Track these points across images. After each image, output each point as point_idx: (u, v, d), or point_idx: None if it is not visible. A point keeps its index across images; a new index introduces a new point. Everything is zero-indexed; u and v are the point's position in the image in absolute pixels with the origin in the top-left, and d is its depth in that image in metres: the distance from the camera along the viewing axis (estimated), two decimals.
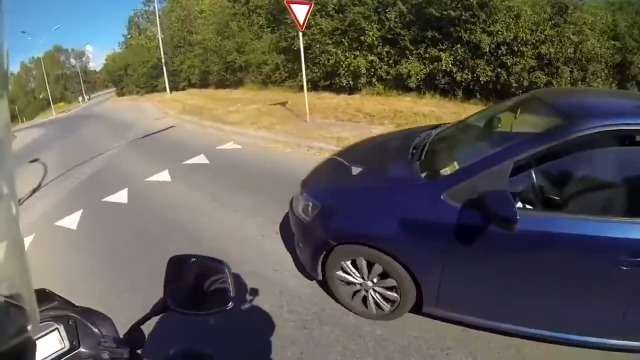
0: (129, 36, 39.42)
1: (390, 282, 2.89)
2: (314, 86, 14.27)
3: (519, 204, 2.73)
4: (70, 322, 1.01)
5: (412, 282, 2.80)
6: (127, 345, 1.02)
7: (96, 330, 1.03)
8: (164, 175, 6.73)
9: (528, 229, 2.41)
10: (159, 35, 24.67)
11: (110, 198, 6.03)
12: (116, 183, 6.61)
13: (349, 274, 3.04)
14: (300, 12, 8.62)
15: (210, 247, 4.03)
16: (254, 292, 3.36)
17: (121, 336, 1.06)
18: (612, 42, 10.77)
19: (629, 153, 3.01)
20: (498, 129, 3.37)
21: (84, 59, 76.42)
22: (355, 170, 3.47)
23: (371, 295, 3.05)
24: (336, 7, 13.30)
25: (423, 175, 2.93)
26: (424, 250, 2.71)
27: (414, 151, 3.37)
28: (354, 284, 3.05)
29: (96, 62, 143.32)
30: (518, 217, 2.19)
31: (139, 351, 1.07)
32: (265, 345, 2.91)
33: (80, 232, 5.10)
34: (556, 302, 2.65)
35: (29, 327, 0.59)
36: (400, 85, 12.27)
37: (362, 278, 3.01)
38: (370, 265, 2.93)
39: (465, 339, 2.92)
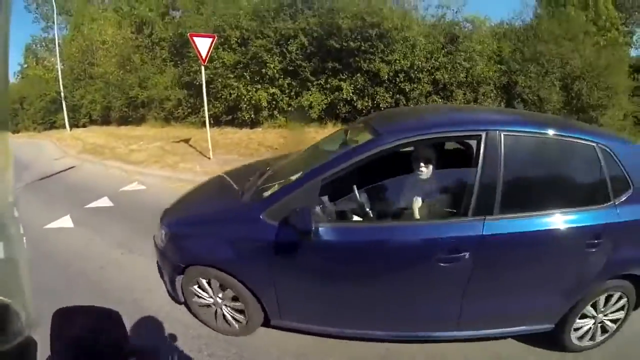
0: (26, 65, 36.15)
1: (237, 302, 3.25)
2: (216, 121, 14.36)
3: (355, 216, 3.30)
4: None
5: (254, 299, 3.14)
6: None
7: None
8: (65, 221, 6.49)
9: (340, 239, 2.88)
10: (59, 66, 22.98)
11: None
12: None
13: (202, 293, 3.36)
14: (203, 45, 8.75)
15: (119, 298, 3.96)
16: (173, 337, 3.45)
17: None
18: (499, 65, 12.21)
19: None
20: (326, 150, 3.67)
21: None
22: (201, 200, 3.94)
23: (223, 312, 3.38)
24: (239, 41, 13.56)
25: (249, 199, 3.30)
26: (255, 267, 3.06)
27: (251, 179, 3.81)
28: (207, 301, 3.38)
29: None
30: (313, 229, 2.61)
31: None
32: None
33: None
34: (389, 304, 3.03)
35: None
36: (302, 116, 12.69)
37: (213, 296, 3.33)
38: (220, 285, 3.26)
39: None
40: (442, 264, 2.75)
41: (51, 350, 0.96)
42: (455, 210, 2.98)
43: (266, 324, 3.32)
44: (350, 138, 3.48)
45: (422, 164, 3.15)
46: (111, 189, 8.21)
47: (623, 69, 11.94)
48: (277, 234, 2.86)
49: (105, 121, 21.41)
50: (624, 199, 2.87)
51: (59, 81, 22.59)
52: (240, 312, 3.30)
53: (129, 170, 9.94)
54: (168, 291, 3.69)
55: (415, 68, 11.86)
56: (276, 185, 3.24)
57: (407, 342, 3.29)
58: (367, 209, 3.34)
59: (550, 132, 2.89)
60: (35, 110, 28.14)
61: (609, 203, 2.85)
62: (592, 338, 3.25)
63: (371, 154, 2.88)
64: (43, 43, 35.73)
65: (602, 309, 3.13)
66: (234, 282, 3.12)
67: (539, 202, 2.88)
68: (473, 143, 2.91)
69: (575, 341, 3.20)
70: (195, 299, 3.43)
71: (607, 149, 2.87)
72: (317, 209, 3.10)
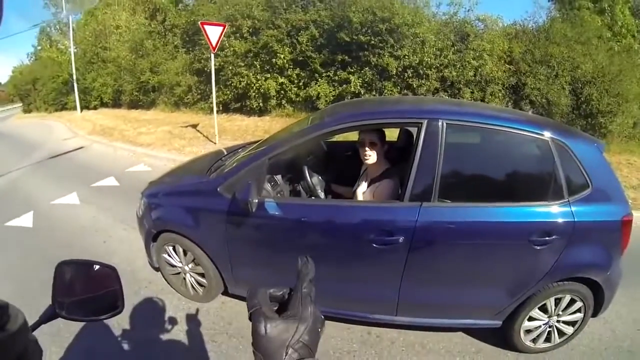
0: (39, 47, 36.32)
1: (200, 268, 3.46)
2: (225, 108, 14.44)
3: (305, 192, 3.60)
4: None
5: (214, 267, 3.36)
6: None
7: None
8: (72, 198, 6.65)
9: (282, 215, 3.02)
10: (72, 49, 23.06)
11: (14, 222, 5.79)
12: (20, 206, 6.37)
13: (170, 260, 3.62)
14: (214, 33, 8.83)
15: (121, 269, 3.97)
16: (163, 309, 3.66)
17: None
18: (508, 66, 11.99)
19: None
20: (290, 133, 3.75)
21: None
22: (178, 175, 4.20)
23: (188, 278, 3.62)
24: (250, 30, 13.58)
25: (210, 174, 3.50)
26: (213, 236, 3.27)
27: (221, 157, 4.04)
28: (175, 267, 3.63)
29: (1, 73, 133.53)
30: (253, 201, 2.76)
31: None
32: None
33: None
34: (328, 282, 2.92)
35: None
36: (309, 107, 12.73)
37: (181, 262, 3.57)
38: (185, 252, 3.48)
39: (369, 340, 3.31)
40: (376, 246, 2.79)
41: (52, 300, 1.02)
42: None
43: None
44: (309, 124, 3.55)
45: (366, 149, 3.19)
46: (118, 170, 8.36)
47: (635, 76, 11.61)
48: (230, 206, 3.06)
49: (116, 104, 21.49)
50: (580, 198, 2.73)
51: (71, 64, 22.63)
52: (204, 278, 3.55)
53: (137, 152, 10.09)
54: (148, 260, 3.93)
55: (424, 64, 11.82)
56: (235, 163, 3.41)
57: (386, 327, 3.36)
58: (317, 190, 3.60)
59: (499, 123, 2.83)
60: (47, 91, 28.09)
61: (561, 201, 2.72)
62: (548, 340, 3.17)
63: (313, 136, 3.07)
64: (57, 26, 35.81)
65: (554, 312, 3.03)
66: (195, 248, 3.37)
67: (481, 193, 2.86)
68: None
69: (528, 343, 3.15)
70: (166, 267, 3.71)
71: (564, 145, 2.74)
72: (268, 186, 3.35)
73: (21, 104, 37.48)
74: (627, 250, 2.92)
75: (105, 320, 3.25)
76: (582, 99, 11.24)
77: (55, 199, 6.64)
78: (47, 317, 1.00)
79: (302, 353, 0.66)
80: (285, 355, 0.64)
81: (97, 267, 1.13)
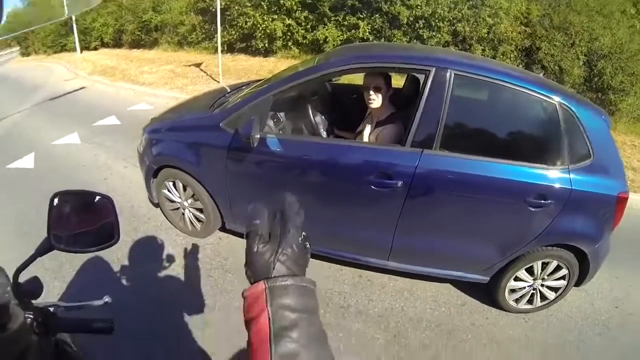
0: None
1: (199, 203, 3.48)
2: (230, 48, 14.08)
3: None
4: None
5: (212, 201, 3.39)
6: (17, 293, 0.93)
7: None
8: (73, 138, 6.59)
9: (284, 152, 3.02)
10: None
11: (16, 164, 5.76)
12: (21, 148, 6.30)
13: (170, 195, 3.63)
14: None
15: (121, 205, 3.99)
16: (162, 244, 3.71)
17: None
18: (524, 27, 11.55)
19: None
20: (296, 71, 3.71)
21: None
22: (181, 111, 4.20)
23: (187, 213, 3.65)
24: None
25: (213, 110, 3.47)
26: (213, 171, 3.27)
27: (224, 94, 4.01)
28: (174, 202, 3.62)
29: None
30: (257, 136, 2.75)
31: (34, 301, 1.01)
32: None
33: None
34: (326, 220, 3.10)
35: None
36: (316, 50, 12.37)
37: (180, 198, 3.59)
38: (185, 187, 3.50)
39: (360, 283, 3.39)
40: (375, 188, 2.81)
41: (47, 232, 1.01)
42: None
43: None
44: (315, 63, 3.49)
45: (371, 93, 3.16)
46: (119, 109, 8.22)
47: None
48: (231, 141, 3.06)
49: (117, 44, 20.97)
50: (580, 167, 2.74)
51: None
52: (202, 213, 3.57)
53: (138, 91, 9.93)
54: (148, 196, 3.96)
55: (436, 16, 11.38)
56: (238, 99, 3.36)
57: (377, 272, 3.47)
58: (320, 128, 3.62)
59: (509, 80, 2.79)
60: (46, 33, 27.51)
61: (562, 167, 2.74)
62: (530, 302, 3.27)
63: (319, 75, 3.04)
64: None
65: (540, 275, 3.12)
66: (195, 183, 3.38)
67: (483, 148, 2.83)
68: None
69: (511, 302, 3.25)
70: (165, 202, 3.74)
71: (571, 112, 2.72)
72: (271, 122, 3.35)
73: (18, 48, 36.88)
74: (618, 230, 3.00)
75: (105, 256, 3.30)
76: (595, 72, 10.89)
77: (56, 140, 6.57)
78: (43, 249, 1.01)
79: (289, 266, 0.69)
80: (273, 269, 0.67)
81: (92, 197, 1.12)
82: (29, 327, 0.66)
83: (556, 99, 2.74)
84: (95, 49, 21.86)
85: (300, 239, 0.75)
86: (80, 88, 11.16)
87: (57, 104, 9.64)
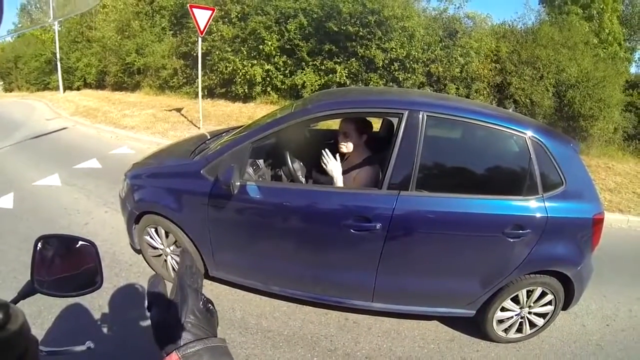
0: (20, 25, 35.45)
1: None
2: (210, 93, 14.36)
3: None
4: None
5: (195, 250, 3.42)
6: None
7: None
8: (53, 179, 6.58)
9: (264, 198, 3.10)
10: (56, 27, 22.46)
11: None
12: (1, 187, 6.24)
13: (152, 242, 3.66)
14: (202, 17, 8.78)
15: (103, 251, 3.91)
16: (143, 291, 3.64)
17: None
18: (494, 64, 12.16)
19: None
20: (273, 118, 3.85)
21: None
22: (162, 157, 4.21)
23: (170, 260, 3.66)
24: (239, 15, 13.52)
25: (194, 157, 3.55)
26: (194, 219, 3.32)
27: (205, 141, 4.10)
28: (157, 249, 3.68)
29: None
30: (235, 183, 2.84)
31: None
32: None
33: None
34: (307, 266, 3.23)
35: None
36: (294, 95, 12.75)
37: (162, 244, 3.61)
38: (167, 234, 3.53)
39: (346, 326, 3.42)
40: (354, 232, 2.88)
41: (31, 276, 1.01)
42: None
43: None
44: (292, 110, 3.64)
45: (340, 138, 3.33)
46: (101, 152, 8.29)
47: (619, 83, 11.86)
48: (212, 188, 3.13)
49: (100, 85, 21.02)
50: (554, 194, 2.85)
51: (55, 42, 22.11)
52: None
53: (120, 134, 10.02)
54: (129, 242, 3.98)
55: (411, 58, 11.91)
56: (218, 146, 3.46)
57: (363, 314, 3.48)
58: (299, 175, 3.67)
59: (479, 118, 2.91)
60: (29, 70, 27.37)
61: (536, 196, 2.83)
62: (520, 330, 3.31)
63: (296, 122, 3.16)
64: (38, 4, 35.03)
65: (526, 303, 3.16)
66: (176, 230, 3.41)
67: (458, 185, 2.95)
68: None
69: (500, 333, 3.28)
70: (148, 249, 3.76)
71: (540, 143, 2.85)
72: (250, 169, 3.42)
73: (1, 83, 36.52)
74: (601, 249, 3.10)
75: (85, 303, 3.34)
76: (564, 101, 11.47)
77: (37, 180, 6.55)
78: (26, 292, 1.01)
79: (196, 332, 0.71)
80: (180, 339, 0.70)
81: (76, 242, 1.13)
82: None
83: (526, 133, 2.86)
84: (78, 89, 21.81)
85: (201, 303, 0.77)
86: (62, 128, 11.19)
87: (38, 143, 9.62)
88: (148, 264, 3.91)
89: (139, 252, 3.99)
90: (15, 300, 0.96)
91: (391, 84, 12.18)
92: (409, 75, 12.09)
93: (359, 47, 11.99)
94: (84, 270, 1.11)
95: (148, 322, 0.74)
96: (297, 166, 3.72)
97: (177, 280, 0.78)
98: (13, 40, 36.09)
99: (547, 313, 3.20)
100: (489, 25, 13.17)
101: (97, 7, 21.65)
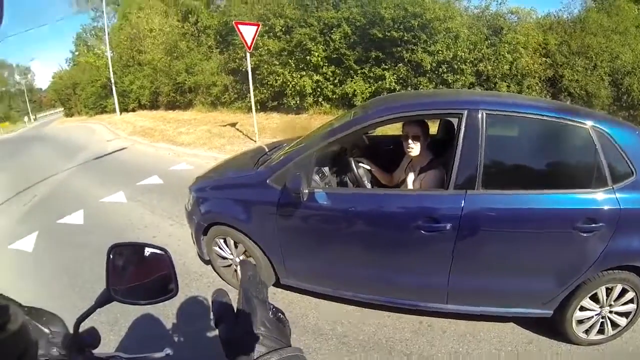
0: (77, 53, 37.71)
1: (252, 259, 3.50)
2: (262, 107, 14.54)
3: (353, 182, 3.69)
4: None
5: (266, 258, 3.43)
6: (75, 344, 0.96)
7: (46, 329, 0.96)
8: (119, 197, 6.87)
9: (332, 205, 3.09)
10: (108, 53, 23.71)
11: (66, 219, 6.05)
12: (71, 205, 6.62)
13: (221, 252, 3.70)
14: (248, 33, 8.91)
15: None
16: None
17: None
18: (544, 58, 11.80)
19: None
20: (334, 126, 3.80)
21: (29, 76, 69.77)
22: (225, 168, 4.28)
23: (239, 270, 3.61)
24: (283, 29, 13.71)
25: (257, 167, 3.58)
26: (264, 228, 3.34)
27: (265, 152, 4.13)
28: (226, 259, 3.72)
29: (42, 79, 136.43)
30: (304, 191, 2.85)
31: (94, 351, 1.03)
32: None
33: (37, 254, 5.06)
34: (379, 270, 3.19)
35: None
36: (346, 104, 12.77)
37: (232, 254, 3.65)
38: (236, 244, 3.57)
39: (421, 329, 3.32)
40: (424, 232, 2.83)
41: (107, 284, 1.02)
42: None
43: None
44: (351, 117, 3.59)
45: (410, 142, 3.27)
46: (160, 168, 8.59)
47: None
48: (280, 197, 3.15)
49: (154, 106, 21.88)
50: (625, 185, 2.67)
51: (109, 68, 23.24)
52: None
53: (178, 151, 10.34)
54: (198, 253, 4.08)
55: (458, 59, 11.70)
56: (282, 156, 3.48)
57: (437, 317, 3.38)
58: (364, 180, 3.65)
59: (535, 112, 2.84)
60: (87, 95, 29.06)
61: (605, 188, 2.66)
62: (601, 332, 3.07)
63: (357, 129, 3.13)
64: (92, 32, 37.01)
65: (606, 302, 2.94)
66: (246, 240, 3.45)
67: (524, 181, 2.86)
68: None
69: (580, 334, 3.06)
70: (217, 259, 3.81)
71: (604, 133, 2.69)
72: (316, 177, 3.42)
73: (62, 109, 38.47)
74: None
75: (157, 312, 3.41)
76: (622, 89, 10.95)
77: (103, 197, 6.88)
78: (102, 301, 1.02)
79: (268, 345, 0.69)
80: (253, 352, 0.68)
81: (149, 249, 1.12)
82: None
83: (588, 123, 2.72)
84: (134, 110, 22.85)
85: (270, 312, 0.75)
86: (122, 148, 11.71)
87: (101, 162, 10.13)
88: (218, 274, 3.95)
89: (207, 262, 4.05)
90: (93, 308, 1.00)
91: (441, 86, 12.00)
92: (458, 76, 11.89)
93: (405, 52, 11.90)
94: (157, 277, 1.11)
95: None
96: (362, 171, 3.71)
97: (241, 292, 0.76)
98: (70, 68, 38.32)
99: (630, 312, 2.95)
100: (534, 18, 12.75)
101: (145, 32, 22.63)
